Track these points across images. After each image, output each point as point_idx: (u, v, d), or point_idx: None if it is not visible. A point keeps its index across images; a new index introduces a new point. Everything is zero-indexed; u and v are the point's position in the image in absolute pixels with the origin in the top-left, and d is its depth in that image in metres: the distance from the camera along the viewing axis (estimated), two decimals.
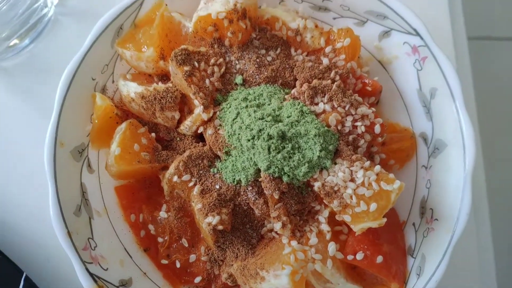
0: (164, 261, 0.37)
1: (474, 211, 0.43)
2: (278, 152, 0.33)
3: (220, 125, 0.35)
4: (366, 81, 0.38)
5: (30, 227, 0.41)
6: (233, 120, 0.34)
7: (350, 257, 0.33)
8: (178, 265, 0.36)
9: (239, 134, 0.34)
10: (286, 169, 0.33)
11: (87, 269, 0.32)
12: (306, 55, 0.38)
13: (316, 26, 0.38)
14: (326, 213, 0.34)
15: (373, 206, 0.32)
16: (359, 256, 0.33)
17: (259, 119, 0.33)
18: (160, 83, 0.36)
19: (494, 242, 0.43)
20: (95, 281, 0.32)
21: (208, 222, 0.33)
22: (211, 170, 0.36)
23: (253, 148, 0.33)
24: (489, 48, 1.35)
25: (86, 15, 0.48)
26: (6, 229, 0.40)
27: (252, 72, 0.37)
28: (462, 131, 0.36)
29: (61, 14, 0.48)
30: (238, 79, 0.37)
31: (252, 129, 0.33)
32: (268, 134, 0.33)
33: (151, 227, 0.37)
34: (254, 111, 0.34)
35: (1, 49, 0.45)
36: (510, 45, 1.38)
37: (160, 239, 0.37)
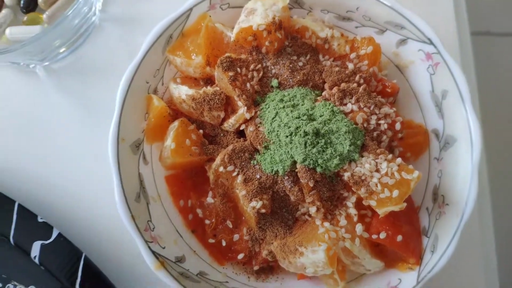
0: (212, 240, 0.42)
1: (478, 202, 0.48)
2: (313, 147, 0.38)
3: (260, 123, 0.40)
4: (386, 83, 0.43)
5: (88, 213, 0.46)
6: (273, 118, 0.39)
7: (374, 236, 0.39)
8: (223, 243, 0.42)
9: (278, 131, 0.39)
10: (319, 161, 0.38)
11: (149, 247, 0.38)
12: (333, 61, 0.43)
13: (342, 35, 0.43)
14: (353, 199, 0.39)
15: (395, 192, 0.37)
16: (382, 235, 0.38)
17: (296, 118, 0.38)
18: (209, 87, 0.41)
19: (496, 233, 0.49)
20: (157, 258, 0.38)
21: (252, 206, 0.38)
22: (252, 162, 0.41)
23: (290, 143, 0.38)
24: (489, 44, 1.39)
25: (126, 21, 0.53)
26: (67, 217, 0.45)
27: (286, 76, 0.42)
28: (470, 128, 0.41)
29: (103, 20, 0.52)
30: (274, 82, 0.42)
31: (290, 127, 0.38)
32: (304, 131, 0.38)
33: (199, 211, 0.42)
34: (291, 111, 0.39)
35: (52, 55, 0.49)
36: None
37: (207, 221, 0.42)
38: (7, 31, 0.48)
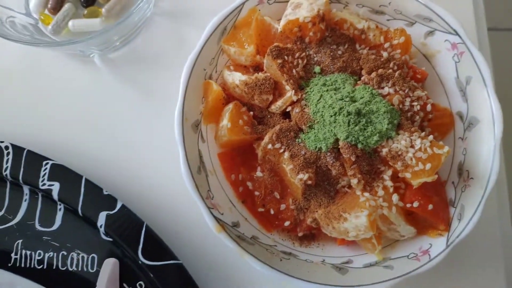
0: (261, 209, 0.46)
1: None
2: (355, 125, 0.42)
3: (305, 105, 0.45)
4: (417, 70, 0.48)
5: (148, 187, 0.50)
6: (318, 100, 0.44)
7: (408, 205, 0.43)
8: (272, 212, 0.46)
9: (322, 111, 0.43)
10: (360, 138, 0.42)
11: (211, 213, 0.42)
12: (369, 49, 0.48)
13: (377, 27, 0.48)
14: (389, 172, 0.44)
15: (428, 165, 0.42)
16: (415, 204, 0.43)
17: (339, 99, 0.43)
18: (260, 73, 0.46)
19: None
20: (218, 222, 0.42)
21: (300, 178, 0.43)
22: (297, 140, 0.45)
23: (334, 122, 0.43)
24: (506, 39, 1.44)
25: (175, 15, 0.57)
26: (130, 190, 0.50)
27: (327, 63, 0.46)
28: (492, 110, 0.46)
29: (154, 14, 0.57)
30: (317, 69, 0.46)
31: (334, 108, 0.43)
32: (347, 111, 0.42)
33: (249, 184, 0.47)
34: (334, 94, 0.43)
35: (110, 46, 0.54)
36: None
37: (256, 193, 0.47)
38: (70, 23, 0.52)
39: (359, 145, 0.43)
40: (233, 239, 0.42)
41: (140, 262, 0.47)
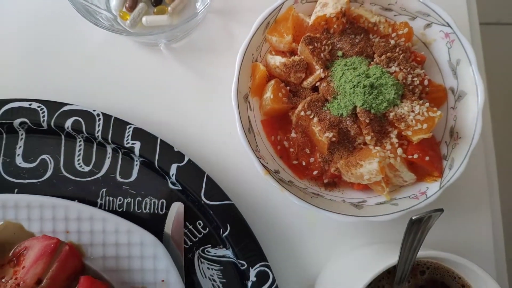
0: (295, 162, 0.58)
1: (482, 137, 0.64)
2: (369, 95, 0.54)
3: (331, 80, 0.57)
4: (417, 54, 0.59)
5: (209, 145, 0.61)
6: (340, 77, 0.56)
7: (410, 157, 0.55)
8: (303, 164, 0.58)
9: (344, 85, 0.55)
10: (373, 105, 0.54)
11: (259, 161, 0.55)
12: (380, 38, 0.60)
13: (386, 20, 0.60)
14: (395, 132, 0.55)
15: (424, 125, 0.53)
16: (415, 156, 0.54)
17: (357, 76, 0.55)
18: (295, 56, 0.58)
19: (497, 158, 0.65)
20: (264, 167, 0.55)
21: (326, 136, 0.55)
22: (323, 108, 0.57)
23: (353, 93, 0.55)
24: (497, 33, 1.58)
25: (225, 13, 0.68)
26: (194, 148, 0.62)
27: (347, 48, 0.58)
28: (476, 85, 0.57)
29: (208, 12, 0.69)
30: (339, 53, 0.58)
31: (353, 82, 0.54)
32: (363, 84, 0.54)
33: (285, 143, 0.59)
34: (353, 71, 0.55)
35: (175, 38, 0.67)
36: None
37: (291, 150, 0.59)
38: (143, 19, 0.65)
39: (372, 111, 0.54)
40: (276, 180, 0.54)
41: (202, 202, 0.59)
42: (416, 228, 0.40)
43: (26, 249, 0.54)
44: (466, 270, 0.45)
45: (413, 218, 0.39)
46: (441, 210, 0.40)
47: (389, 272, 0.46)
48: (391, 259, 0.43)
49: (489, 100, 0.65)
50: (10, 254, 0.55)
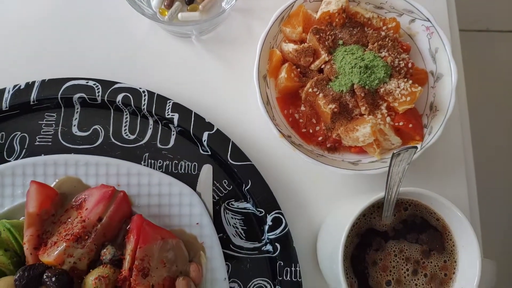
0: (304, 130, 0.70)
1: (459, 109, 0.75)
2: (364, 74, 0.66)
3: (333, 63, 0.69)
4: (403, 44, 0.72)
5: (233, 117, 0.71)
6: (341, 60, 0.67)
7: (396, 124, 0.66)
8: (310, 131, 0.70)
9: (344, 66, 0.67)
10: (367, 82, 0.66)
11: (276, 127, 0.66)
12: (373, 31, 0.72)
13: (378, 16, 0.72)
14: (384, 105, 0.67)
15: (408, 98, 0.64)
16: (401, 123, 0.65)
17: (355, 59, 0.66)
18: (305, 43, 0.70)
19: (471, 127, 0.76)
20: (280, 132, 0.67)
21: (329, 107, 0.67)
22: (327, 86, 0.69)
23: (351, 73, 0.66)
24: (479, 40, 1.77)
25: (243, 11, 0.81)
26: (222, 118, 0.73)
27: (347, 38, 0.69)
28: (451, 68, 0.69)
29: (231, 10, 0.81)
30: (340, 42, 0.70)
31: (351, 64, 0.66)
32: (359, 66, 0.65)
33: (296, 115, 0.71)
34: (352, 56, 0.67)
35: (203, 31, 0.79)
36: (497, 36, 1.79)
37: (301, 120, 0.70)
38: (179, 15, 0.77)
39: (366, 87, 0.66)
40: (289, 142, 0.66)
41: (228, 163, 0.71)
42: (398, 161, 0.52)
43: (86, 196, 0.66)
44: (440, 206, 0.57)
45: (395, 151, 0.50)
46: (416, 148, 0.52)
47: (379, 207, 0.58)
48: (380, 196, 0.55)
49: (465, 80, 0.78)
50: (73, 201, 0.67)
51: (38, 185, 0.63)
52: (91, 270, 0.60)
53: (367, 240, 0.57)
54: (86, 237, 0.60)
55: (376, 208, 0.58)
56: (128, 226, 0.64)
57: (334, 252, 0.54)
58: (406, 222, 0.58)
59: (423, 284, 0.56)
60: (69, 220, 0.63)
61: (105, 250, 0.61)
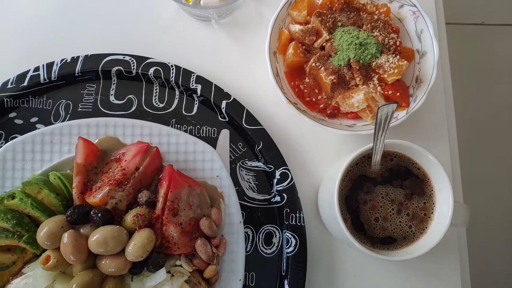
0: (308, 99, 0.80)
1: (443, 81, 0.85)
2: (359, 50, 0.75)
3: (333, 41, 0.79)
4: (393, 26, 0.82)
5: (247, 88, 0.85)
6: (339, 39, 0.77)
7: (386, 92, 0.77)
8: (313, 100, 0.81)
9: (342, 44, 0.77)
10: (361, 57, 0.76)
11: (285, 95, 0.77)
12: (367, 15, 0.82)
13: (371, 2, 0.82)
14: (376, 77, 0.77)
15: (396, 70, 0.75)
16: (390, 92, 0.76)
17: (351, 38, 0.76)
18: (309, 25, 0.80)
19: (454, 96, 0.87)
20: (288, 99, 0.77)
21: (330, 78, 0.77)
22: (328, 61, 0.80)
23: (348, 49, 0.77)
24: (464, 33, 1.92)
25: None
26: (238, 89, 0.85)
27: (345, 21, 0.79)
28: (433, 47, 0.79)
29: None
30: (339, 24, 0.80)
31: (348, 41, 0.76)
32: (355, 43, 0.76)
33: (301, 86, 0.81)
34: (349, 35, 0.78)
35: (222, 15, 0.89)
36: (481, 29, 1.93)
37: (305, 91, 0.81)
38: (202, 1, 0.88)
39: (361, 61, 0.77)
40: (296, 108, 0.77)
41: (243, 127, 0.81)
42: (383, 114, 0.62)
43: (125, 151, 0.76)
44: (421, 156, 0.67)
45: (380, 105, 0.61)
46: (396, 103, 0.63)
47: (369, 158, 0.68)
48: (370, 146, 0.65)
49: (450, 58, 0.88)
50: (112, 156, 0.78)
51: (84, 141, 0.74)
52: (129, 211, 0.71)
53: (359, 185, 0.67)
54: (126, 182, 0.71)
55: (366, 158, 0.68)
56: (160, 175, 0.75)
57: (332, 195, 0.65)
58: (392, 170, 0.68)
59: (406, 222, 0.67)
60: (110, 170, 0.74)
61: (141, 193, 0.71)
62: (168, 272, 0.69)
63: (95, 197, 0.68)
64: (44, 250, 0.69)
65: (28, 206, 0.68)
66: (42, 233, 0.66)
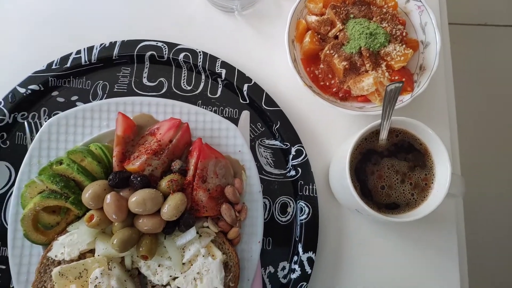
0: (322, 83, 0.89)
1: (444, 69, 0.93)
2: (369, 39, 0.84)
3: (346, 31, 0.87)
4: (400, 18, 0.90)
5: (267, 71, 0.93)
6: (352, 29, 0.85)
7: (393, 78, 0.85)
8: (327, 84, 0.89)
9: (354, 33, 0.85)
10: (371, 45, 0.84)
11: (301, 78, 0.85)
12: (376, 8, 0.90)
13: None
14: (384, 64, 0.85)
15: (402, 58, 0.83)
16: (396, 77, 0.83)
17: (362, 28, 0.84)
18: (324, 16, 0.88)
19: (455, 82, 0.94)
20: (304, 82, 0.85)
21: (342, 64, 0.85)
22: (341, 49, 0.87)
23: (359, 38, 0.84)
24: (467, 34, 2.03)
25: None
26: (257, 72, 0.93)
27: (357, 13, 0.87)
28: (436, 38, 0.87)
29: None
30: (351, 16, 0.88)
31: (359, 31, 0.83)
32: (365, 33, 0.84)
33: (316, 71, 0.89)
34: (360, 25, 0.85)
35: (244, 7, 0.97)
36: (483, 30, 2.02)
37: (320, 75, 0.89)
38: None
39: (371, 49, 0.84)
40: (311, 90, 0.85)
41: (262, 108, 0.89)
42: (389, 92, 0.70)
43: (159, 126, 0.84)
44: (423, 133, 0.75)
45: (387, 85, 0.69)
46: (402, 82, 0.70)
47: (377, 134, 0.76)
48: (378, 122, 0.73)
49: (457, 47, 0.95)
50: (146, 131, 0.86)
51: (123, 116, 0.82)
52: (163, 177, 0.79)
53: (367, 157, 0.75)
54: (161, 152, 0.79)
55: (374, 134, 0.76)
56: (190, 148, 0.83)
57: (344, 165, 0.73)
58: (397, 145, 0.76)
59: (408, 190, 0.74)
60: (146, 142, 0.82)
61: (174, 162, 0.80)
62: (196, 233, 0.77)
63: (134, 164, 0.77)
64: (86, 212, 0.77)
65: (74, 171, 0.76)
66: (87, 195, 0.74)
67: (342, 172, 0.73)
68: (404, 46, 0.83)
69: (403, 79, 0.82)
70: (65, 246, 0.76)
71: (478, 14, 2.29)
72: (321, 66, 0.86)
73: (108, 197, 0.72)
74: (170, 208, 0.72)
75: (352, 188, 0.68)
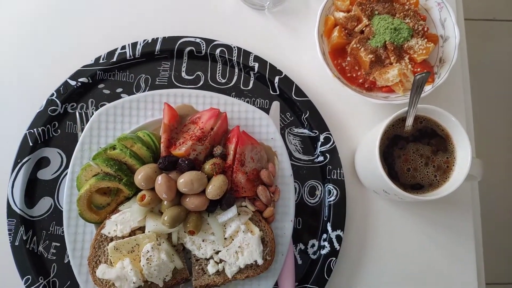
0: (349, 75, 0.94)
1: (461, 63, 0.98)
2: (394, 34, 0.89)
3: (371, 26, 0.92)
4: (421, 15, 0.94)
5: (291, 62, 0.99)
6: (377, 24, 0.90)
7: (415, 70, 0.90)
8: (353, 75, 0.94)
9: (379, 29, 0.90)
10: (396, 39, 0.89)
11: (330, 70, 0.91)
12: (399, 5, 0.95)
13: None
14: (407, 57, 0.90)
15: (424, 51, 0.88)
16: (419, 69, 0.88)
17: (386, 23, 0.89)
18: (351, 12, 0.94)
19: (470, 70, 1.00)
20: (332, 73, 0.91)
21: (369, 57, 0.90)
22: (367, 43, 0.93)
23: (384, 33, 0.90)
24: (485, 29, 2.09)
25: None
26: (286, 65, 0.99)
27: (381, 10, 0.93)
28: (455, 32, 0.92)
29: None
30: (376, 12, 0.93)
31: (384, 27, 0.89)
32: (390, 28, 0.89)
33: (343, 64, 0.95)
34: (385, 21, 0.91)
35: (275, 4, 1.03)
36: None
37: (347, 68, 0.94)
38: None
39: (395, 43, 0.90)
40: (340, 81, 0.90)
41: (292, 99, 0.95)
42: (417, 81, 0.75)
43: (200, 115, 0.90)
44: (445, 119, 0.80)
45: (416, 75, 0.74)
46: (429, 73, 0.76)
47: (403, 121, 0.81)
48: (404, 110, 0.78)
49: (467, 42, 1.00)
50: (188, 120, 0.92)
51: (168, 106, 0.89)
52: (206, 161, 0.85)
53: (394, 142, 0.81)
54: (204, 139, 0.85)
55: (400, 121, 0.81)
56: (228, 135, 0.89)
57: (372, 150, 0.78)
58: (421, 131, 0.81)
59: (432, 172, 0.80)
60: (189, 130, 0.88)
61: (216, 148, 0.86)
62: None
63: (181, 149, 0.83)
64: (137, 193, 0.83)
65: (127, 155, 0.83)
66: (139, 176, 0.80)
67: (371, 155, 0.78)
68: (425, 40, 0.88)
69: (429, 71, 0.87)
70: (117, 223, 0.83)
71: (485, 10, 2.33)
72: (348, 59, 0.92)
73: (159, 178, 0.79)
74: (215, 188, 0.79)
75: (381, 170, 0.74)
